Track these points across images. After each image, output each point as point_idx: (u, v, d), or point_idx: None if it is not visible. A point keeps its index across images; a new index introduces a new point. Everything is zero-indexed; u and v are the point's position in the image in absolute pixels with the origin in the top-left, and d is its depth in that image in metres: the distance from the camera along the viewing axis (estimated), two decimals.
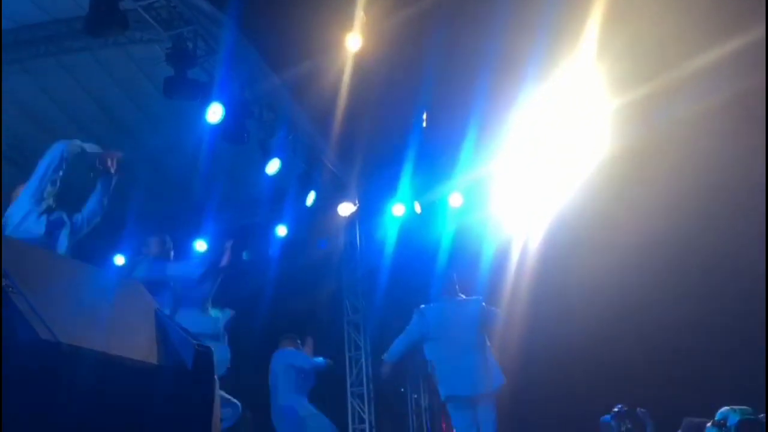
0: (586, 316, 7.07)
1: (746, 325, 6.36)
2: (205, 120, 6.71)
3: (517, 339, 7.80)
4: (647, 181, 6.58)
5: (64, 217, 3.35)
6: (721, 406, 2.76)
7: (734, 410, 1.47)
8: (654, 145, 6.55)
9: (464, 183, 8.31)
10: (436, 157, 8.05)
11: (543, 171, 7.88)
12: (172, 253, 4.70)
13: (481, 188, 8.39)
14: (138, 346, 1.71)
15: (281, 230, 8.74)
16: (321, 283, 8.92)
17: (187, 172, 7.89)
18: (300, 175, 8.13)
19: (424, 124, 7.92)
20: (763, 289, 5.64)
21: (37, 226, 3.10)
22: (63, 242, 3.12)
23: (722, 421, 1.44)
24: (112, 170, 3.53)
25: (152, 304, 1.94)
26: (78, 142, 3.63)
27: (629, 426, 3.50)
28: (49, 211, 3.27)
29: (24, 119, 7.28)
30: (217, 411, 1.83)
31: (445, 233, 8.66)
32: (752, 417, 1.43)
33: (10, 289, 1.47)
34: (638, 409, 4.09)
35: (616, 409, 3.71)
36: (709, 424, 1.49)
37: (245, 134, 7.06)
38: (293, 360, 6.05)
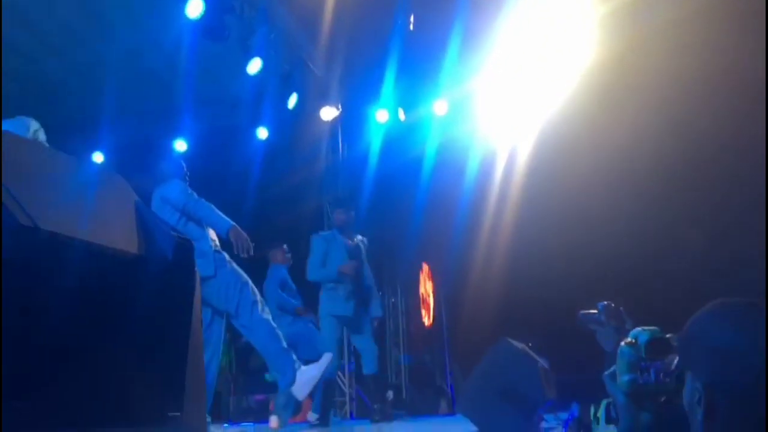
0: (572, 220, 7.12)
1: (740, 229, 6.31)
2: (184, 15, 6.49)
3: (503, 248, 7.95)
4: (634, 87, 6.47)
5: None
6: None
7: (644, 330, 1.54)
8: (640, 50, 6.44)
9: (450, 91, 8.19)
10: (422, 63, 7.88)
11: (528, 79, 7.79)
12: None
13: (466, 97, 8.29)
14: (119, 236, 1.71)
15: (262, 132, 8.64)
16: (301, 188, 8.92)
17: (166, 70, 7.68)
18: (282, 76, 7.95)
19: (411, 27, 7.71)
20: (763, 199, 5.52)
21: None
22: None
23: (633, 341, 1.52)
24: None
25: (132, 196, 1.93)
26: None
27: (613, 322, 3.63)
28: None
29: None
30: (198, 305, 1.86)
31: (429, 142, 8.62)
32: (660, 335, 1.51)
33: None
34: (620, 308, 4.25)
35: (605, 303, 3.84)
36: (622, 344, 1.57)
37: (226, 31, 6.85)
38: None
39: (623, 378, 1.59)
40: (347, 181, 8.99)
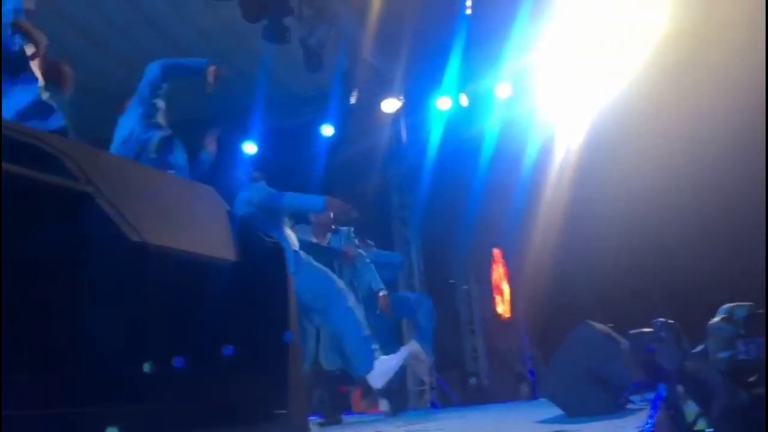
0: (632, 211, 6.89)
1: None
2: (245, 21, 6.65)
3: (578, 231, 7.78)
4: (705, 65, 6.11)
5: (171, 134, 3.44)
6: None
7: (739, 306, 1.46)
8: (715, 25, 6.05)
9: (512, 72, 8.08)
10: (482, 46, 7.80)
11: (594, 57, 7.59)
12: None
13: (528, 78, 8.17)
14: (216, 244, 1.79)
15: (327, 130, 8.75)
16: (367, 181, 8.99)
17: (231, 75, 7.87)
18: (343, 73, 8.03)
19: (469, 11, 7.65)
20: None
21: (143, 144, 3.22)
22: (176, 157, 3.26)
23: (727, 317, 1.44)
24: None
25: (224, 206, 2.02)
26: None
27: (674, 339, 3.55)
28: (156, 128, 3.34)
29: (74, 34, 7.28)
30: (293, 305, 1.93)
31: (490, 127, 8.54)
32: (757, 310, 1.42)
33: (97, 194, 1.54)
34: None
35: (662, 320, 3.74)
36: (714, 320, 1.48)
37: (286, 33, 6.97)
38: None
39: (720, 355, 1.53)
40: (411, 171, 9.02)
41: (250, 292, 1.78)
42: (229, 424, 1.72)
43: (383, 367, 4.18)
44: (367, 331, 4.29)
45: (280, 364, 1.82)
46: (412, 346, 4.45)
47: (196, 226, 1.81)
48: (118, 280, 1.50)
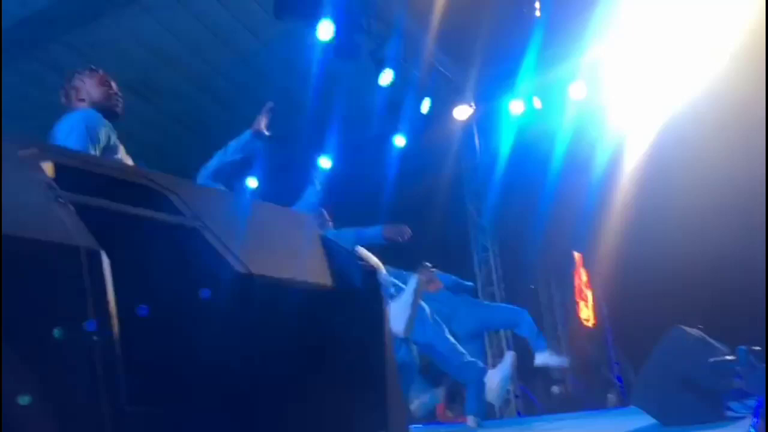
0: (711, 213, 6.59)
1: None
2: (316, 38, 6.79)
3: (660, 232, 7.53)
4: None
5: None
6: None
7: None
8: None
9: (586, 72, 7.92)
10: (554, 46, 7.69)
11: (672, 55, 7.34)
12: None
13: (602, 78, 7.99)
14: (312, 271, 1.85)
15: (399, 140, 8.81)
16: (441, 189, 8.99)
17: (303, 92, 8.05)
18: (413, 83, 8.08)
19: (537, 14, 7.56)
20: None
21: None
22: None
23: None
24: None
25: (316, 231, 2.07)
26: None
27: (758, 364, 3.41)
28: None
29: (148, 55, 7.63)
30: (388, 327, 1.97)
31: (563, 129, 8.39)
32: None
33: (203, 229, 1.61)
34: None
35: (745, 347, 3.60)
36: None
37: (357, 48, 7.08)
38: None
39: None
40: (486, 176, 8.97)
41: (347, 316, 1.83)
42: None
43: (494, 382, 4.15)
44: (465, 357, 4.31)
45: (379, 384, 1.85)
46: (511, 355, 4.40)
47: (295, 254, 1.86)
48: (226, 310, 1.57)
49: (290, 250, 1.88)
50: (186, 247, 1.61)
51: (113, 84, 2.99)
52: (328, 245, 1.98)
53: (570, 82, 8.08)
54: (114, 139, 2.80)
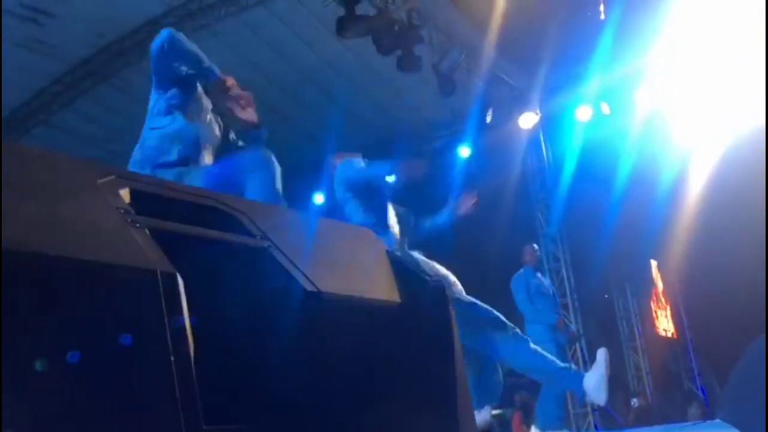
0: None
1: None
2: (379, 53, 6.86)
3: (740, 241, 7.21)
4: None
5: None
6: None
7: None
8: None
9: (652, 77, 7.69)
10: (621, 51, 7.50)
11: (745, 61, 7.04)
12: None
13: (669, 81, 7.74)
14: (381, 287, 1.85)
15: (464, 151, 8.78)
16: (509, 198, 8.88)
17: (367, 107, 8.15)
18: (478, 93, 8.05)
19: (602, 16, 7.39)
20: None
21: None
22: None
23: None
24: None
25: (383, 246, 2.08)
26: None
27: None
28: None
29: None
30: (457, 340, 1.95)
31: (630, 135, 8.13)
32: None
33: (272, 248, 1.65)
34: None
35: None
36: None
37: (419, 61, 7.11)
38: None
39: None
40: (553, 184, 8.80)
41: (416, 331, 1.82)
42: None
43: (592, 384, 3.92)
44: (548, 357, 4.13)
45: (449, 401, 1.84)
46: (604, 351, 4.11)
47: (361, 270, 1.87)
48: (295, 328, 1.59)
49: (357, 266, 1.89)
50: (256, 267, 1.64)
51: None
52: (395, 260, 1.98)
53: (637, 87, 7.87)
54: None
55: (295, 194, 8.76)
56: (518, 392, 6.85)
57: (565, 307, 8.28)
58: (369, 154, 8.47)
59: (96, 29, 7.16)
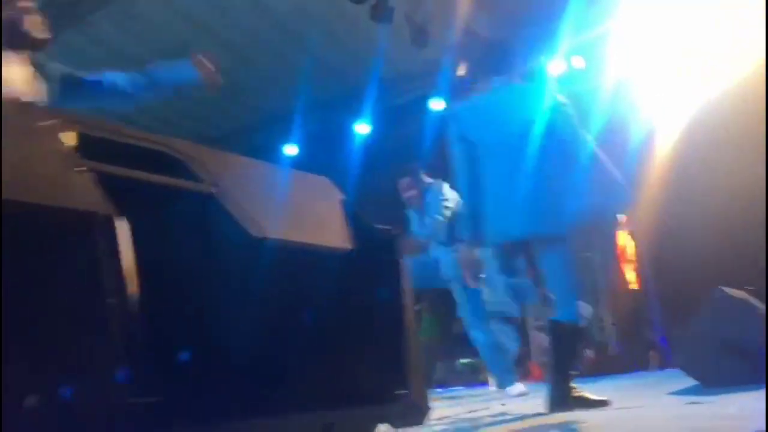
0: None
1: None
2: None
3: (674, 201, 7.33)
4: None
5: None
6: None
7: None
8: None
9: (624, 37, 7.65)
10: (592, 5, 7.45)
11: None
12: None
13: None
14: (331, 234, 1.87)
15: (435, 104, 8.71)
16: None
17: (340, 57, 8.03)
18: (450, 45, 7.94)
19: None
20: None
21: None
22: None
23: None
24: None
25: (338, 195, 2.09)
26: None
27: None
28: None
29: (186, 25, 7.63)
30: (408, 287, 1.98)
31: (603, 89, 8.13)
32: None
33: (221, 195, 1.65)
34: None
35: None
36: None
37: (392, 11, 7.01)
38: None
39: None
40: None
41: (365, 278, 1.85)
42: (359, 405, 1.81)
43: None
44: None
45: (399, 346, 1.88)
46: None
47: (313, 217, 1.89)
48: (242, 274, 1.61)
49: (309, 213, 1.91)
50: (204, 213, 1.65)
51: None
52: (348, 209, 2.00)
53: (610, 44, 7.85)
54: None
55: (264, 145, 8.70)
56: None
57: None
58: (344, 103, 8.43)
59: None
